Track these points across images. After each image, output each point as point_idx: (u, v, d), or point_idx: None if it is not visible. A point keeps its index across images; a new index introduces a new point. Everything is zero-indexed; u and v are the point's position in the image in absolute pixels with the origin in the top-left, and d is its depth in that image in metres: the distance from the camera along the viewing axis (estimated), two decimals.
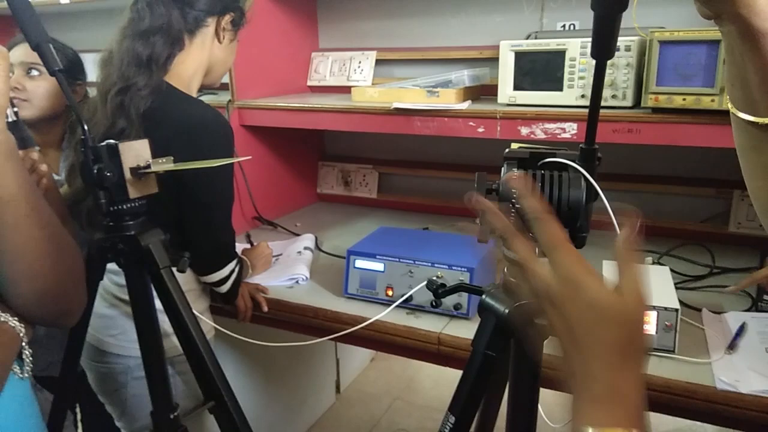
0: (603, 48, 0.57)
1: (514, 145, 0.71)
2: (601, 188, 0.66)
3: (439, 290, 0.80)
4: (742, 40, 0.55)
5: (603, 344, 0.48)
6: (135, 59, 1.22)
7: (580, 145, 0.65)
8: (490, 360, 0.70)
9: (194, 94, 1.34)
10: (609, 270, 1.41)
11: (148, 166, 0.94)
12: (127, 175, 0.94)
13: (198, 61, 1.33)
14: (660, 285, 1.28)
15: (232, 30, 1.38)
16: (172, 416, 1.07)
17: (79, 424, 1.41)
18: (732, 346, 1.18)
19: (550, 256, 0.51)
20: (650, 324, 1.18)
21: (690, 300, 1.38)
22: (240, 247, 1.71)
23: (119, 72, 1.22)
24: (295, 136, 2.09)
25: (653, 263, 1.57)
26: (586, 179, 0.66)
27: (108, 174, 0.93)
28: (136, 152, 0.96)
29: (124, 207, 0.96)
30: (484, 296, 0.72)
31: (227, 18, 1.35)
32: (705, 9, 0.56)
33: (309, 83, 2.18)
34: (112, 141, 0.95)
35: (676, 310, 1.16)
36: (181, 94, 1.27)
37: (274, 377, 2.11)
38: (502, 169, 0.69)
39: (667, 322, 1.16)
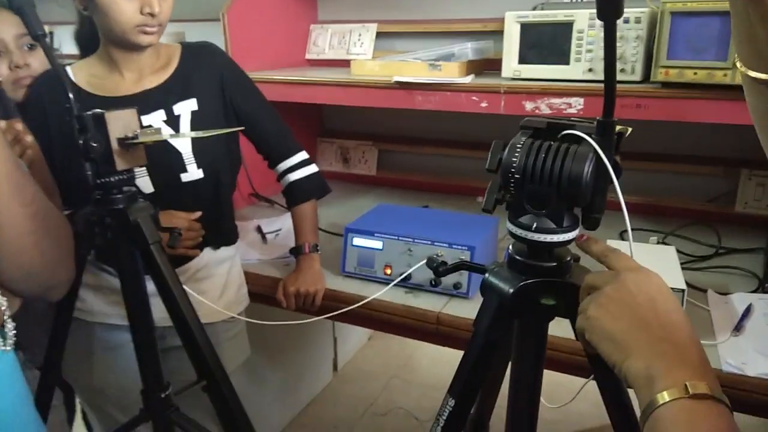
0: (610, 5, 0.52)
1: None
2: (615, 165, 0.62)
3: (439, 268, 0.77)
4: None
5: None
6: None
7: (597, 118, 0.61)
8: (492, 341, 0.67)
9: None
10: None
11: (136, 137, 0.90)
12: (114, 145, 0.90)
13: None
14: (665, 265, 1.25)
15: None
16: (163, 395, 1.05)
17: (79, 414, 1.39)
18: (738, 328, 1.15)
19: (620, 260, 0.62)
20: None
21: (695, 281, 1.35)
22: (245, 226, 1.67)
23: None
24: (293, 111, 2.04)
25: (658, 243, 1.54)
26: (597, 155, 0.61)
27: (94, 144, 0.89)
28: (123, 122, 0.92)
29: (112, 179, 0.92)
30: (487, 275, 0.68)
31: None
32: None
33: (307, 56, 2.13)
34: (98, 110, 0.91)
35: (683, 290, 1.13)
36: None
37: (270, 355, 2.10)
38: (516, 136, 0.65)
39: None
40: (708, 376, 0.49)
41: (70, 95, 0.89)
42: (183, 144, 1.27)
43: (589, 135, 0.62)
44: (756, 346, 1.09)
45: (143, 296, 0.99)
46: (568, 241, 0.65)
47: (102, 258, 1.28)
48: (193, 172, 1.27)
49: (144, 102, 1.24)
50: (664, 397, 0.48)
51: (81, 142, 0.90)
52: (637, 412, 0.71)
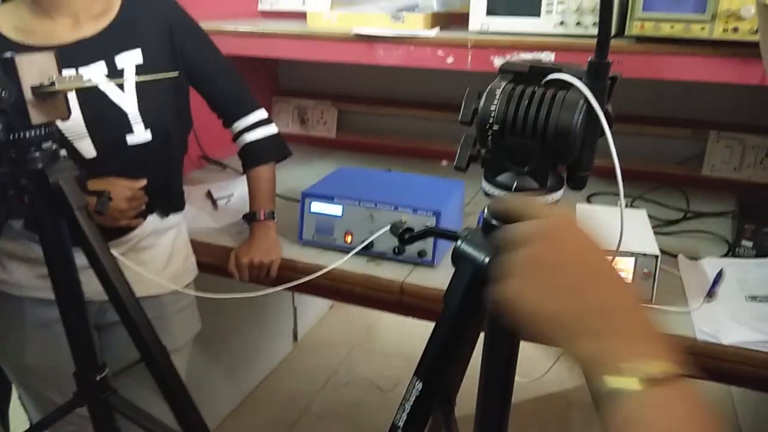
0: None
1: None
2: (607, 115, 0.54)
3: (405, 235, 0.68)
4: None
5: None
6: None
7: (589, 59, 0.52)
8: (464, 317, 0.59)
9: None
10: (582, 214, 1.32)
11: (53, 84, 0.77)
12: (28, 95, 0.77)
13: None
14: (638, 230, 1.21)
15: None
16: (99, 377, 0.94)
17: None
18: (711, 295, 1.11)
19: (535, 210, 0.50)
20: (627, 271, 1.10)
21: (665, 245, 1.30)
22: (194, 191, 1.55)
23: None
24: (246, 67, 1.88)
25: (627, 206, 1.49)
26: (588, 102, 0.53)
27: (3, 93, 0.76)
28: (38, 68, 0.79)
29: (26, 135, 0.80)
30: (459, 243, 0.60)
31: None
32: None
33: (260, 8, 1.97)
34: (8, 54, 0.78)
35: (656, 256, 1.08)
36: None
37: (224, 327, 2.00)
38: (495, 81, 0.57)
39: (645, 270, 1.09)
40: (667, 348, 0.41)
41: None
42: (128, 102, 1.13)
43: (579, 79, 0.54)
44: (730, 313, 1.05)
45: (70, 268, 0.87)
46: (553, 203, 0.57)
47: (30, 226, 1.15)
48: (140, 134, 1.14)
49: (81, 52, 1.10)
50: (624, 383, 0.39)
51: None
52: None
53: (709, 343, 0.99)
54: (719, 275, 1.17)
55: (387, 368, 2.37)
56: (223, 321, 1.96)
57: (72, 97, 1.06)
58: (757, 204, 1.37)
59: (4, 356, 1.23)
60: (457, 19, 1.59)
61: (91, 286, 0.98)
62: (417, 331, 2.63)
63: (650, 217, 1.43)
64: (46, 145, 0.83)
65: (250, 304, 2.11)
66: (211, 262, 1.38)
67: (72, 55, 1.08)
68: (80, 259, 0.93)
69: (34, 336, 1.20)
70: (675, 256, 1.27)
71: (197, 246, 1.38)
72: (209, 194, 1.62)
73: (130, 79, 1.13)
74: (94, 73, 1.11)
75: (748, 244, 1.26)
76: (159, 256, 1.26)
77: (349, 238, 1.30)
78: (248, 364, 2.23)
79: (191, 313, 1.37)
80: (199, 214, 1.52)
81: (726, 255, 1.29)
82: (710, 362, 0.97)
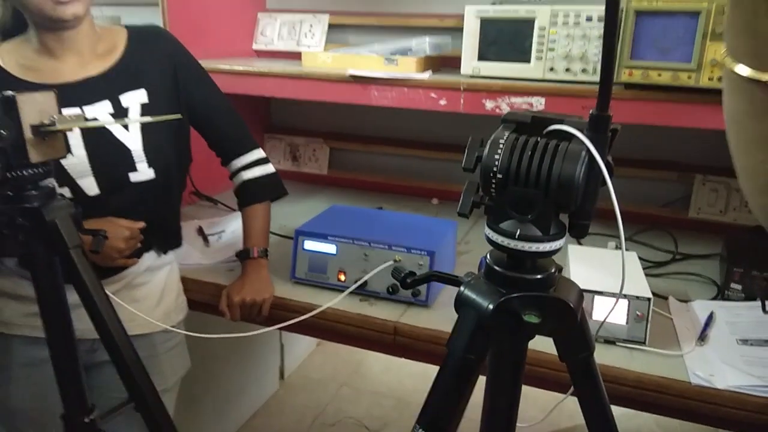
0: None
1: None
2: (608, 165, 0.55)
3: (407, 279, 0.68)
4: None
5: None
6: None
7: (590, 111, 0.54)
8: (469, 364, 0.59)
9: None
10: (573, 255, 1.32)
11: (53, 123, 0.77)
12: (27, 133, 0.77)
13: None
14: (630, 272, 1.22)
15: None
16: (87, 420, 0.92)
17: None
18: (703, 338, 1.12)
19: None
20: (620, 314, 1.11)
21: (655, 287, 1.32)
22: (184, 227, 1.54)
23: None
24: (238, 104, 1.91)
25: (617, 248, 1.51)
26: (590, 153, 0.55)
27: (3, 132, 0.76)
28: (39, 106, 0.79)
29: (24, 173, 0.79)
30: (463, 288, 0.60)
31: None
32: None
33: (255, 47, 2.00)
34: (9, 92, 0.78)
35: (649, 299, 1.09)
36: None
37: (212, 365, 1.96)
38: (497, 131, 0.58)
39: (638, 312, 1.10)
40: None
41: None
42: (132, 140, 1.14)
43: (581, 131, 0.55)
44: (722, 356, 1.06)
45: (62, 307, 0.86)
46: (555, 251, 0.58)
47: (24, 264, 1.13)
48: (144, 172, 1.14)
49: (87, 91, 1.11)
50: None
51: None
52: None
53: (704, 387, 0.99)
54: (710, 318, 1.18)
55: (376, 407, 2.33)
56: (209, 359, 1.92)
57: (77, 135, 1.07)
58: (744, 247, 1.39)
59: None
60: (449, 62, 1.63)
61: (82, 324, 0.96)
62: (407, 369, 2.60)
63: (639, 258, 1.45)
64: (43, 183, 0.83)
65: (237, 341, 2.08)
66: (202, 299, 1.36)
67: (77, 93, 1.09)
68: (71, 296, 0.92)
69: (22, 376, 1.17)
70: (665, 299, 1.28)
71: (188, 283, 1.37)
72: (200, 230, 1.61)
73: (135, 118, 1.14)
74: (99, 112, 1.12)
75: (737, 287, 1.28)
76: (152, 293, 1.25)
77: (342, 277, 1.29)
78: (234, 403, 2.19)
79: (181, 351, 1.35)
80: (190, 251, 1.50)
81: (715, 297, 1.30)
82: (705, 407, 0.98)
